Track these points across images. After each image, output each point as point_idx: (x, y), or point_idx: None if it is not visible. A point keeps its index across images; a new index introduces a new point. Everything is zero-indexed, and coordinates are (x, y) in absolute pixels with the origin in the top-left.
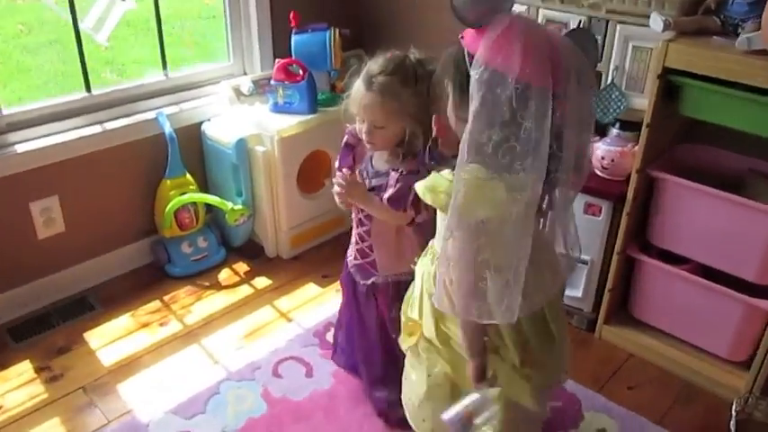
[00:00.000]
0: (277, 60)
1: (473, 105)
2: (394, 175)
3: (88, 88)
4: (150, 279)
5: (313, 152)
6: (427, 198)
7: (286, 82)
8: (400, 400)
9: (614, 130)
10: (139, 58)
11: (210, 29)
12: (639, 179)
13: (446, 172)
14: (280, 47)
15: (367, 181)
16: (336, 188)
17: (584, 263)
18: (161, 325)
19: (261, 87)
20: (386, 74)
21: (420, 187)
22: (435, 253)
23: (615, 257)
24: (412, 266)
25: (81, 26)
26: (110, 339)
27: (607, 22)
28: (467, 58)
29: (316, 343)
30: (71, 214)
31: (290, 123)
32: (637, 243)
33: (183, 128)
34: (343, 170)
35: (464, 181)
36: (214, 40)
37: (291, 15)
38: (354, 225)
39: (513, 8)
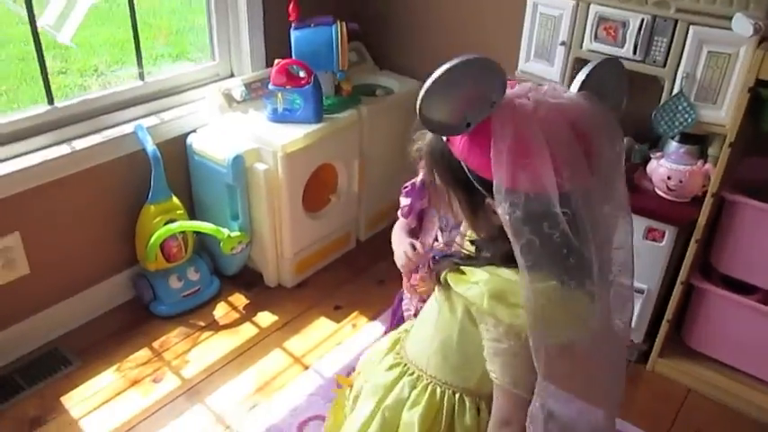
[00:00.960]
0: (276, 61)
1: (523, 256)
2: None
3: (51, 100)
4: (134, 320)
5: (319, 166)
6: (499, 313)
7: (288, 86)
8: None
9: (674, 144)
10: (94, 43)
11: (164, 7)
12: (714, 203)
13: (506, 272)
14: (272, 44)
15: (446, 234)
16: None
17: (640, 292)
18: (154, 381)
19: (254, 91)
20: None
21: (483, 297)
22: (412, 368)
23: (678, 287)
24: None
25: (39, 23)
26: (94, 404)
27: (675, 22)
28: (465, 168)
29: None
30: (36, 253)
31: (294, 136)
32: (698, 269)
33: (164, 142)
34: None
35: (541, 291)
36: (175, 21)
37: (290, 7)
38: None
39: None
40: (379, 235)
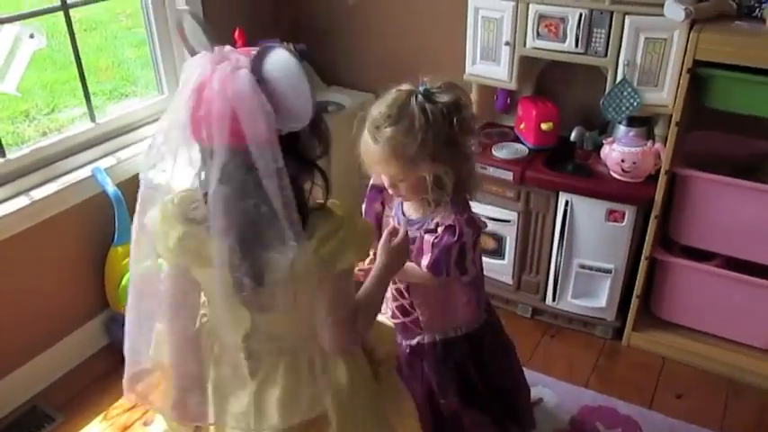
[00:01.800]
0: None
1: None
2: (428, 238)
3: (2, 152)
4: (113, 365)
5: None
6: None
7: None
8: None
9: (623, 128)
10: (26, 87)
11: (88, 45)
12: (667, 180)
13: None
14: None
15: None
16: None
17: (607, 272)
18: (145, 424)
19: None
20: (390, 124)
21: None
22: None
23: (643, 262)
24: None
25: None
26: None
27: (611, 14)
28: None
29: None
30: (4, 310)
31: None
32: (660, 243)
33: (124, 181)
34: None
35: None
36: (103, 58)
37: (236, 34)
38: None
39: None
40: None
